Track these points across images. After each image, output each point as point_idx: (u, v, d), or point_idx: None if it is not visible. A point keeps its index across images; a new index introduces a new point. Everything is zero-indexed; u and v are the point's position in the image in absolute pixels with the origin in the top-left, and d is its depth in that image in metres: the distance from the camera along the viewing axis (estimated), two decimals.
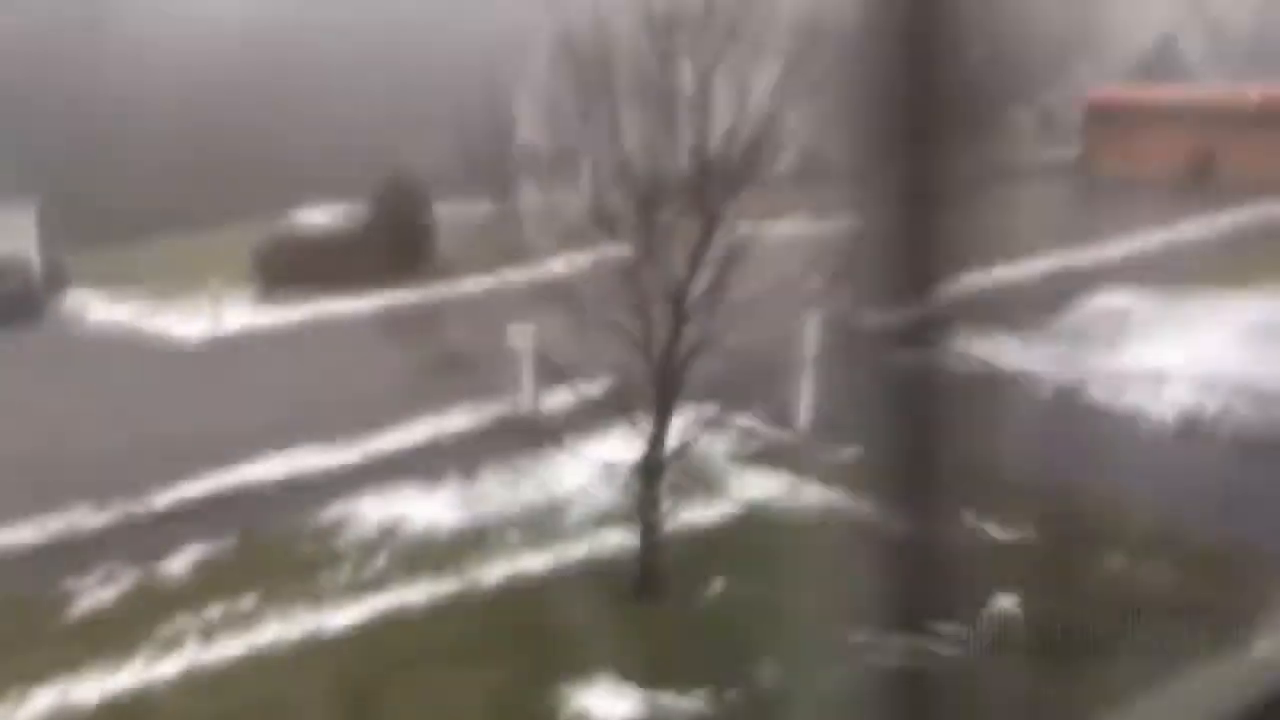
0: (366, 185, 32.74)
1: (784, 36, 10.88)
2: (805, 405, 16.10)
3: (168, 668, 10.51)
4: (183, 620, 11.47)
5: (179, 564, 12.91)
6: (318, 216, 40.48)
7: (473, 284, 26.71)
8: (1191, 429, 16.05)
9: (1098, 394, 17.45)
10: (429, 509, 14.08)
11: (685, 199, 11.17)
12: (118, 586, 12.37)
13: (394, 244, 28.96)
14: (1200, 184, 33.18)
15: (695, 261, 10.70)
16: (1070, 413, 16.91)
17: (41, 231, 32.58)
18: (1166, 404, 16.84)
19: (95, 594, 12.24)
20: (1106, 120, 35.75)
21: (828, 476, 14.46)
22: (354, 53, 67.77)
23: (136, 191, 50.25)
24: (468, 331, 16.80)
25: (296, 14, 68.24)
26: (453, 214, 34.57)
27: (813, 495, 13.87)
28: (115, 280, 31.60)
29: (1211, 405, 16.69)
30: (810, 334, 15.58)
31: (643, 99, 11.59)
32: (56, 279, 31.65)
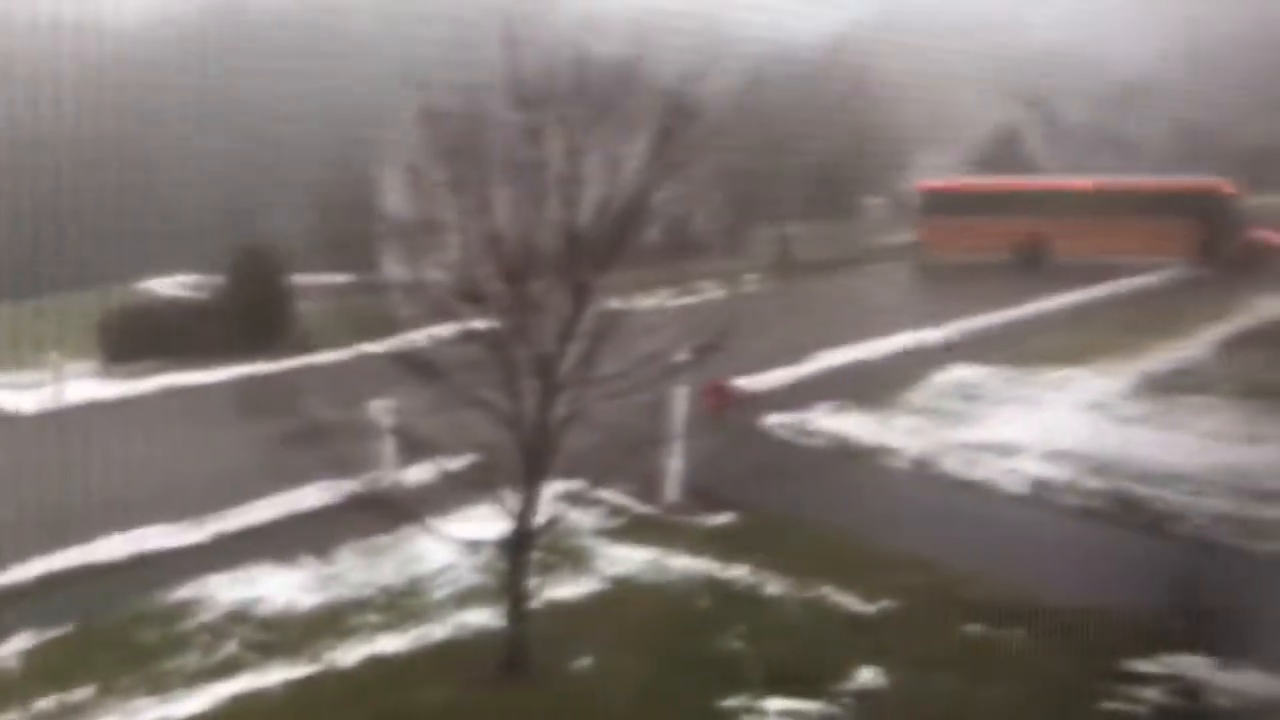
0: (222, 255, 31.71)
1: (654, 113, 11.09)
2: (674, 477, 16.15)
3: None
4: (9, 717, 10.61)
5: (5, 653, 11.96)
6: (170, 287, 39.03)
7: (333, 356, 26.08)
8: (1040, 499, 16.71)
9: (952, 466, 18.04)
10: (284, 589, 13.46)
11: (555, 272, 11.16)
12: None
13: (250, 315, 28.09)
14: (1032, 267, 35.17)
15: (565, 335, 10.67)
16: (925, 486, 17.43)
17: None
18: (1017, 475, 17.51)
19: None
20: (943, 207, 37.71)
21: (696, 547, 14.48)
22: (213, 116, 66.27)
23: None
24: (327, 405, 16.30)
25: (152, 75, 66.44)
26: (313, 285, 33.87)
27: (681, 566, 13.85)
28: None
29: (1058, 475, 17.45)
30: (679, 406, 15.69)
31: (512, 171, 11.61)
32: None
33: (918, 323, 27.99)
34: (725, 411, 19.44)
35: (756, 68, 29.16)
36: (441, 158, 11.24)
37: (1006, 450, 18.65)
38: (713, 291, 26.54)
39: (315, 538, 15.02)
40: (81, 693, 11.02)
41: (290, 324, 28.70)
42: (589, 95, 10.94)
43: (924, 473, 17.91)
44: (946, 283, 35.66)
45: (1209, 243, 33.93)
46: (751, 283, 32.51)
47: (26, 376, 24.79)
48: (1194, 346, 25.94)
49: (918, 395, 22.32)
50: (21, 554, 14.40)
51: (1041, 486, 17.02)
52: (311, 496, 16.57)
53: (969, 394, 22.62)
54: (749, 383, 22.01)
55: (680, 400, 15.69)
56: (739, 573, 13.62)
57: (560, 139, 11.06)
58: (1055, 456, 18.33)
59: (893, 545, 14.45)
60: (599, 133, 10.99)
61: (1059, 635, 11.85)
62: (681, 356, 11.12)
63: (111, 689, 11.07)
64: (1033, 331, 28.13)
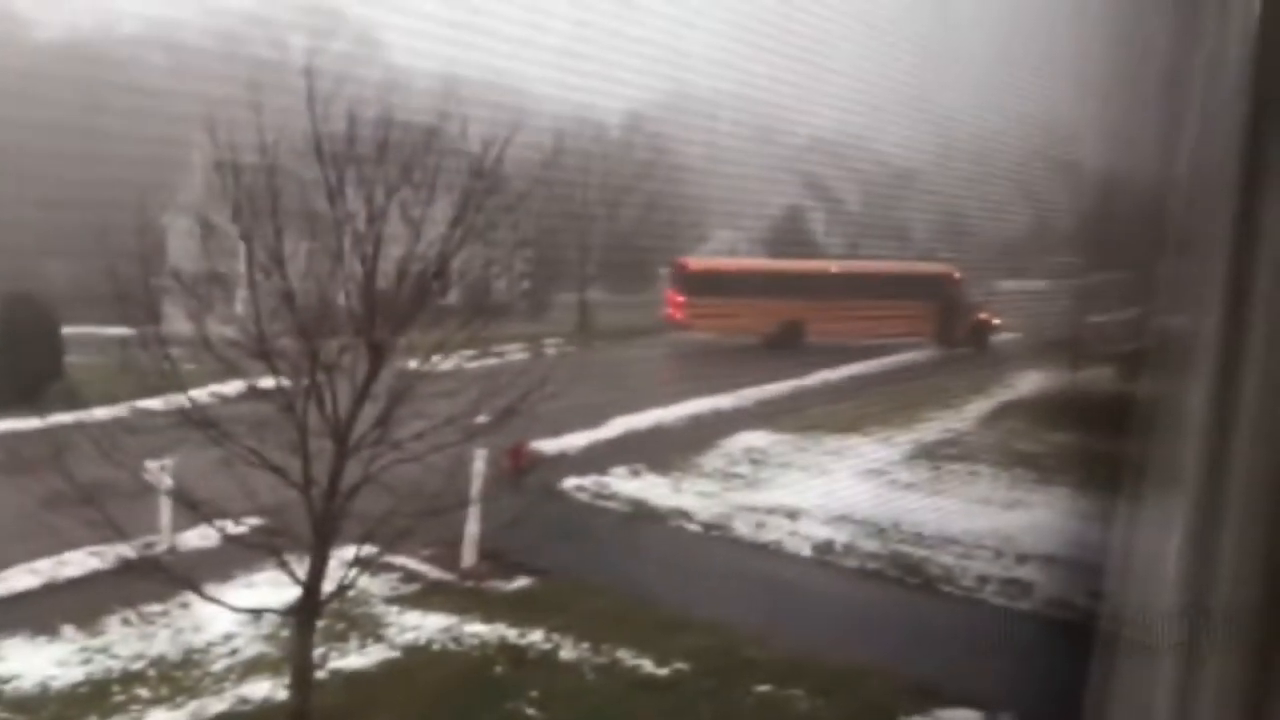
0: None
1: (460, 175, 11.18)
2: (471, 541, 15.96)
3: None
4: None
5: None
6: None
7: (108, 412, 24.42)
8: (823, 561, 17.47)
9: (741, 529, 18.64)
10: (41, 664, 12.40)
11: (351, 331, 10.98)
12: None
13: (14, 367, 26.06)
14: (790, 345, 37.09)
15: (360, 396, 10.47)
16: (716, 548, 17.92)
17: None
18: (801, 538, 18.26)
19: None
20: (702, 287, 38.98)
21: (492, 613, 14.31)
22: None
23: None
24: (98, 465, 15.27)
25: None
26: (86, 338, 31.78)
27: (476, 632, 13.65)
28: None
29: (839, 538, 18.31)
30: (477, 469, 15.57)
31: (309, 227, 11.40)
32: None
33: (709, 390, 28.92)
34: (524, 474, 19.41)
35: (558, 137, 29.75)
36: (234, 209, 10.94)
37: (792, 514, 19.45)
38: (513, 355, 26.60)
39: (79, 607, 13.95)
40: None
41: (59, 377, 26.80)
42: (392, 156, 10.94)
43: (715, 535, 18.42)
44: (719, 357, 37.04)
45: (943, 324, 36.87)
46: (552, 347, 32.79)
47: None
48: (959, 419, 27.93)
49: (709, 460, 23.00)
50: None
51: (824, 549, 17.83)
52: (76, 562, 15.42)
53: (756, 459, 23.50)
54: (548, 445, 22.10)
55: (479, 463, 15.58)
56: (534, 638, 13.57)
57: (361, 198, 10.97)
58: (837, 520, 19.25)
59: (686, 607, 14.76)
60: (401, 193, 10.98)
61: (841, 693, 12.38)
62: (480, 419, 11.11)
63: None
64: (814, 402, 29.56)
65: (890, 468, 23.26)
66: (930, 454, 24.34)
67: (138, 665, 12.53)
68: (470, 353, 14.49)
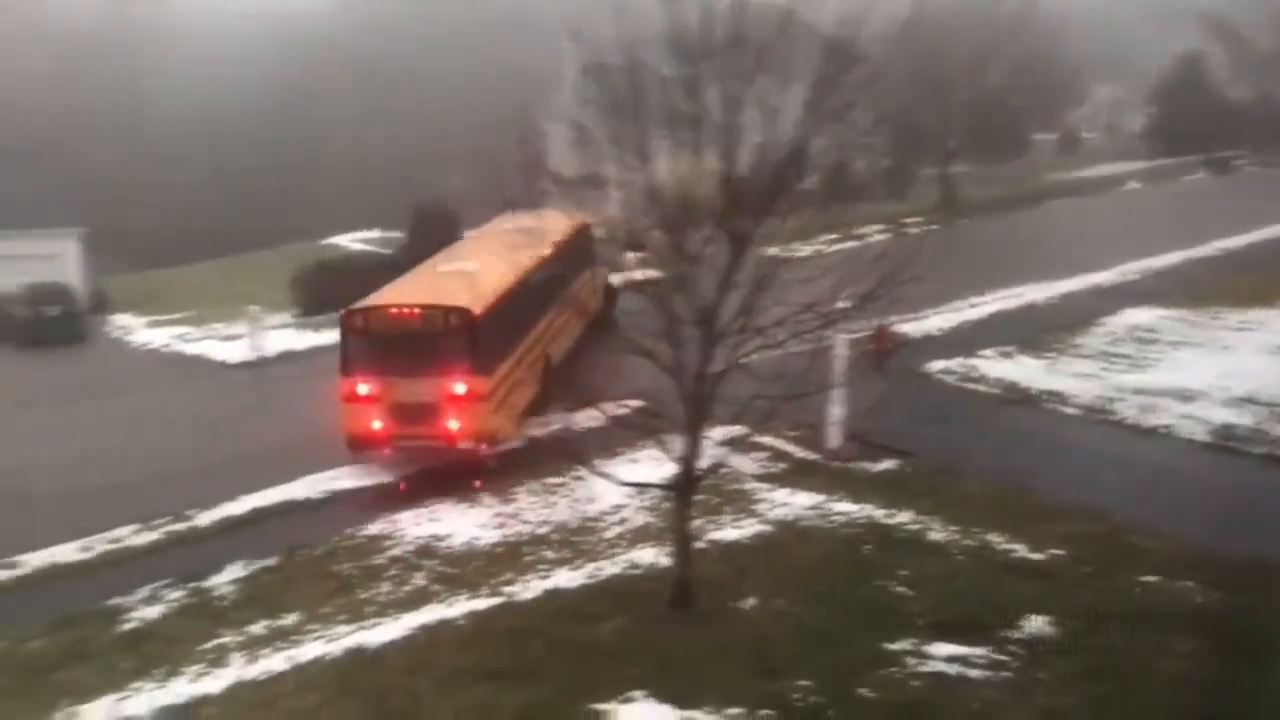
0: (402, 212, 33.25)
1: (812, 60, 11.07)
2: (836, 424, 16.24)
3: None
4: (227, 638, 11.68)
5: (220, 581, 13.17)
6: (354, 242, 41.18)
7: None
8: (1223, 445, 16.03)
9: (1125, 412, 17.48)
10: (466, 526, 14.30)
11: (713, 221, 11.35)
12: None
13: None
14: None
15: (724, 284, 10.88)
16: (1097, 432, 16.94)
17: (85, 259, 33.67)
18: (1196, 421, 16.84)
19: None
20: None
21: (859, 493, 14.58)
22: (391, 84, 68.95)
23: (173, 221, 51.68)
24: None
25: (340, 48, 69.50)
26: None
27: (844, 512, 13.98)
28: (156, 303, 32.52)
29: (1242, 422, 16.68)
30: (841, 353, 15.72)
31: (671, 124, 11.80)
32: (97, 302, 32.65)
33: (1087, 265, 26.94)
34: (888, 358, 19.32)
35: (916, 5, 28.22)
36: (603, 113, 11.53)
37: (1185, 395, 17.92)
38: (874, 237, 26.13)
39: (495, 480, 15.88)
40: (289, 618, 12.07)
41: None
42: (746, 45, 11.01)
43: (1095, 419, 17.42)
44: (1099, 228, 34.00)
45: None
46: (914, 226, 31.81)
47: (231, 329, 26.70)
48: None
49: (1089, 340, 21.59)
50: (232, 491, 15.79)
51: (1224, 433, 16.33)
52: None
53: (1144, 337, 21.74)
54: (913, 328, 21.76)
55: (842, 347, 15.71)
56: (902, 519, 13.67)
57: (718, 90, 11.17)
58: (1239, 402, 17.51)
59: (1061, 493, 14.20)
60: (757, 82, 11.06)
61: (1241, 589, 11.49)
62: (842, 304, 11.16)
63: (314, 615, 12.07)
64: (1210, 274, 26.66)
65: None
66: None
67: (543, 530, 14.09)
68: (830, 236, 14.52)
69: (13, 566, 14.10)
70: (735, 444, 12.48)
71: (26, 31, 67.03)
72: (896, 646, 10.42)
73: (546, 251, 20.41)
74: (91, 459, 18.23)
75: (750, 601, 11.58)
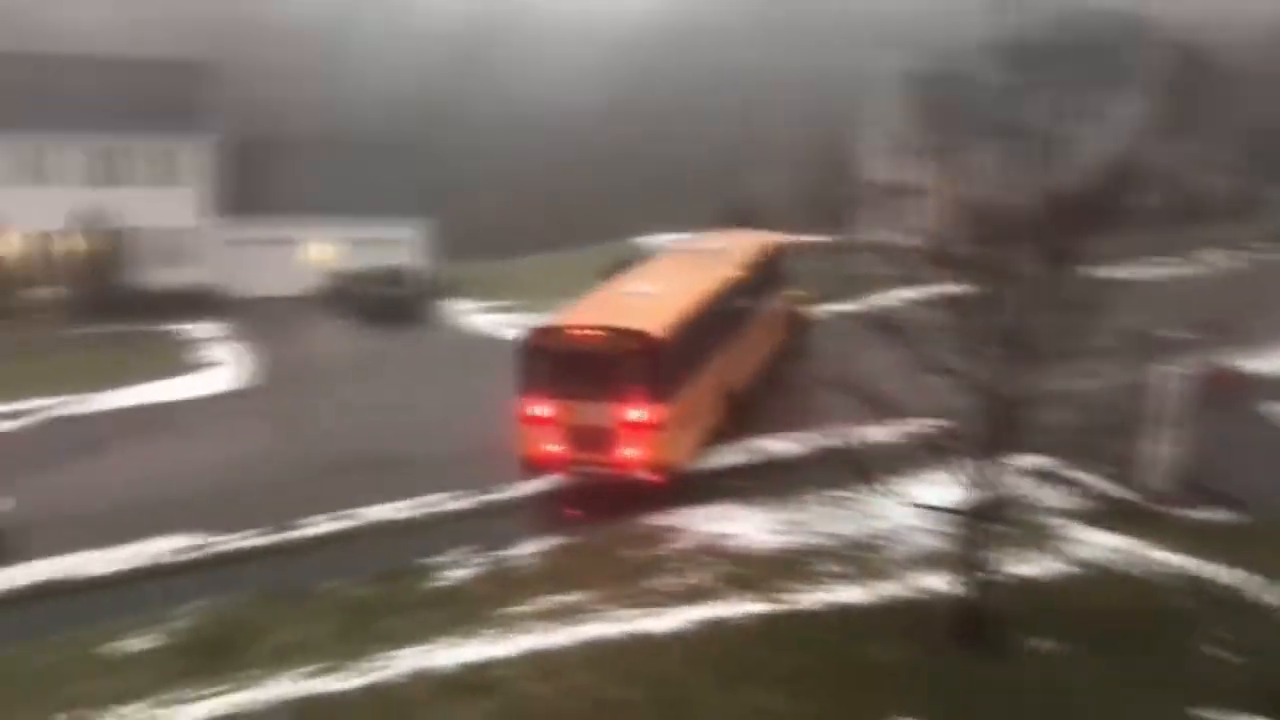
0: (710, 213, 33.92)
1: (1159, 68, 10.26)
2: (1160, 464, 14.93)
3: None
4: (518, 607, 12.42)
5: (520, 553, 14.05)
6: (658, 242, 42.49)
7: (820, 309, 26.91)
8: None
9: None
10: (750, 529, 14.42)
11: (1033, 238, 10.77)
12: None
13: None
14: None
15: (1041, 304, 10.29)
16: None
17: (430, 247, 37.08)
18: None
19: None
20: None
21: (1180, 542, 13.34)
22: (711, 85, 70.78)
23: (510, 216, 55.73)
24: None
25: (663, 49, 72.18)
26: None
27: (1161, 560, 12.86)
28: (484, 290, 35.11)
29: None
30: (1170, 388, 14.44)
31: (992, 133, 11.32)
32: (434, 287, 35.72)
33: None
34: (1225, 396, 17.53)
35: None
36: (921, 121, 11.26)
37: None
38: (1216, 261, 23.74)
39: (785, 485, 15.90)
40: (576, 596, 12.68)
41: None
42: (1086, 52, 10.37)
43: None
44: None
45: None
46: (1263, 252, 28.61)
47: (543, 313, 28.34)
48: None
49: None
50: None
51: None
52: (780, 445, 17.53)
53: None
54: (1254, 366, 19.59)
55: (1171, 382, 14.42)
56: (1227, 575, 12.39)
57: (1048, 99, 10.61)
58: None
59: None
60: (1093, 91, 10.39)
61: None
62: (1175, 334, 10.26)
63: (602, 597, 12.60)
64: None
65: None
66: None
67: (831, 543, 13.94)
68: (1164, 259, 13.39)
69: (350, 518, 15.72)
70: (1041, 475, 11.81)
71: (394, 31, 74.40)
72: (1208, 715, 9.47)
73: (735, 274, 19.78)
74: (431, 428, 20.03)
75: (1045, 644, 10.91)
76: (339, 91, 64.43)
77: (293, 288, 35.67)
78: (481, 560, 14.02)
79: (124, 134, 37.21)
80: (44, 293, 36.38)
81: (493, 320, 30.77)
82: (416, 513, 15.90)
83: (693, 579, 12.97)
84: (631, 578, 13.13)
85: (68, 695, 11.14)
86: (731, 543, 14.04)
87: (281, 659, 11.51)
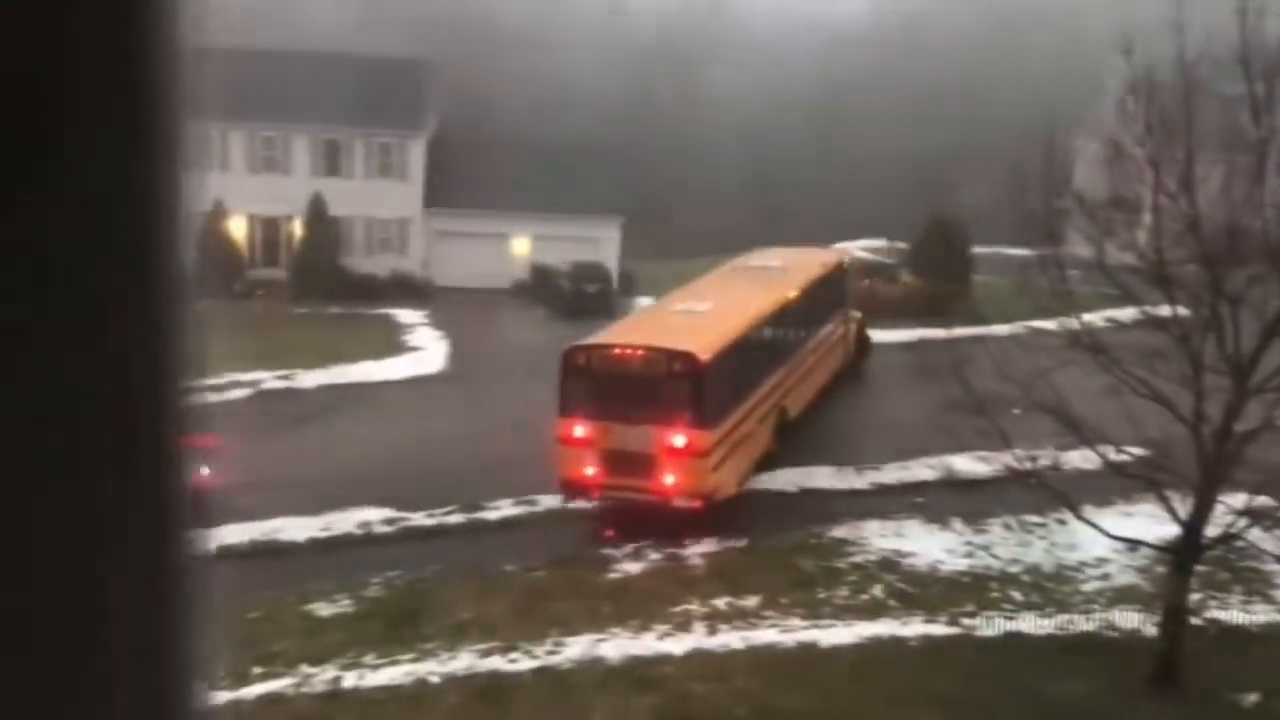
0: (912, 223, 33.02)
1: None
2: None
3: None
4: (690, 605, 12.46)
5: (693, 553, 14.09)
6: (857, 250, 41.89)
7: (1004, 329, 25.93)
8: None
9: None
10: (932, 548, 13.97)
11: (1265, 260, 9.99)
12: None
13: (929, 281, 29.08)
14: None
15: (1269, 331, 9.53)
16: None
17: (621, 245, 37.85)
18: None
19: None
20: None
21: None
22: (914, 92, 69.13)
23: (710, 218, 56.17)
24: (992, 378, 16.39)
25: (867, 56, 71.06)
26: (993, 257, 33.98)
27: None
28: (668, 290, 35.39)
29: None
30: None
31: (1226, 147, 10.58)
32: (626, 284, 36.39)
33: None
34: None
35: None
36: (1144, 131, 10.64)
37: None
38: None
39: (967, 506, 15.34)
40: (749, 600, 12.61)
41: (966, 293, 29.16)
42: None
43: None
44: None
45: None
46: None
47: None
48: None
49: None
50: None
51: None
52: (968, 464, 16.91)
53: None
54: None
55: None
56: None
57: None
58: None
59: None
60: None
61: None
62: None
63: (773, 603, 12.49)
64: None
65: None
66: None
67: (1014, 569, 13.35)
68: None
69: (532, 504, 16.14)
70: (1257, 515, 10.91)
71: (604, 31, 76.10)
72: None
73: (791, 294, 18.71)
74: None
75: (1251, 698, 10.10)
76: (547, 91, 66.47)
77: (493, 279, 37.01)
78: (657, 556, 14.14)
79: (348, 128, 39.58)
80: (269, 274, 39.13)
81: None
82: (592, 504, 16.14)
83: (867, 594, 12.70)
84: (804, 587, 12.97)
85: (263, 651, 11.90)
86: (909, 560, 13.65)
87: (460, 634, 11.96)
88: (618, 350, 15.19)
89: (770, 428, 16.93)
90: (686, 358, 14.58)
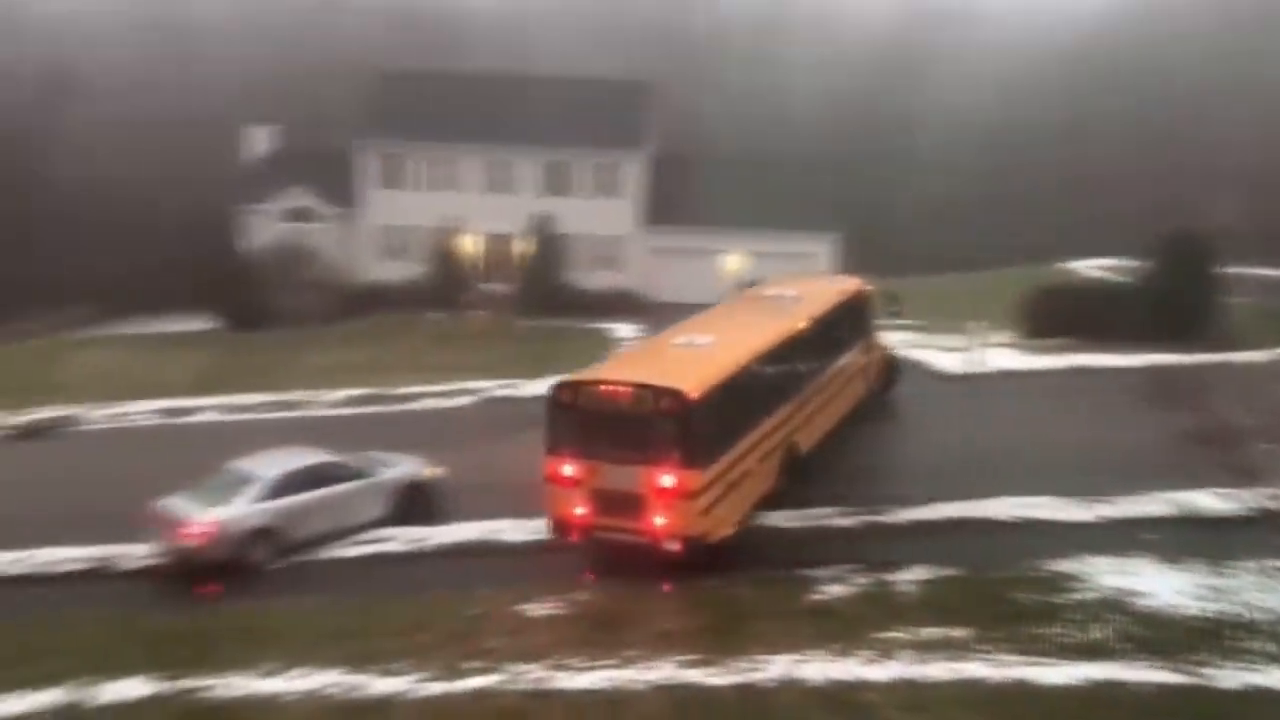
0: (1152, 242, 30.77)
1: None
2: None
3: None
4: (898, 634, 12.08)
5: (904, 578, 13.67)
6: (1092, 269, 39.71)
7: (1255, 356, 23.89)
8: None
9: None
10: (1166, 589, 12.93)
11: None
12: None
13: (1172, 304, 27.06)
14: None
15: None
16: None
17: (834, 260, 37.45)
18: None
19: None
20: None
21: None
22: (1152, 103, 64.95)
23: (920, 234, 54.78)
24: (1239, 409, 15.09)
25: (1094, 80, 67.47)
26: (1250, 279, 31.34)
27: None
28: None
29: None
30: None
31: None
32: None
33: None
34: None
35: None
36: None
37: None
38: None
39: (1207, 545, 14.13)
40: (959, 632, 12.06)
41: (1215, 317, 26.98)
42: None
43: None
44: None
45: None
46: None
47: (954, 340, 27.35)
48: None
49: None
50: (921, 498, 16.27)
51: None
52: (1209, 500, 15.63)
53: None
54: None
55: None
56: None
57: None
58: None
59: None
60: None
61: None
62: None
63: (985, 637, 11.90)
64: None
65: None
66: None
67: (1263, 617, 12.18)
68: None
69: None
70: None
71: (822, 45, 75.53)
72: None
73: (800, 325, 17.70)
74: None
75: None
76: (762, 109, 66.63)
77: (706, 295, 37.47)
78: (864, 580, 13.79)
79: (573, 149, 41.06)
80: (497, 288, 41.04)
81: (892, 339, 30.25)
82: (794, 523, 15.93)
83: (1091, 634, 11.89)
84: (1021, 622, 12.28)
85: (478, 647, 12.42)
86: (1140, 601, 12.68)
87: (663, 643, 12.07)
88: (605, 387, 14.82)
89: (775, 465, 16.27)
90: (675, 395, 14.15)
